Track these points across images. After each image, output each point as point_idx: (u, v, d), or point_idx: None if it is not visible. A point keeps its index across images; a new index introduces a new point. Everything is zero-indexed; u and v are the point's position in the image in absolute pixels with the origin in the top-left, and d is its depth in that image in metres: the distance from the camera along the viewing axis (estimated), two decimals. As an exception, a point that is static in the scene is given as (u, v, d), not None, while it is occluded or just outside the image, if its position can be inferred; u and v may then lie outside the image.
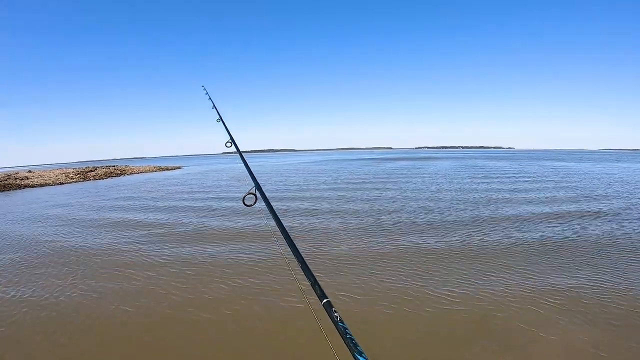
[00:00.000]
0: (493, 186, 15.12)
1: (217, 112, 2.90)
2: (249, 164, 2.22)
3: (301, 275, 1.27)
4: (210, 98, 3.27)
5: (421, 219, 8.76)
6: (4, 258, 6.81)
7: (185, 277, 5.31)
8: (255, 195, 1.86)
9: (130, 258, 6.39)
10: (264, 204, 1.81)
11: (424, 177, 20.26)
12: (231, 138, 2.40)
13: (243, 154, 2.34)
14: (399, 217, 9.05)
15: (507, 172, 23.12)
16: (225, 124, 2.69)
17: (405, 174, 22.93)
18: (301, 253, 1.36)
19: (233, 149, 2.43)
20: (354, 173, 24.79)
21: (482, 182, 16.66)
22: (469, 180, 17.57)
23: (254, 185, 1.91)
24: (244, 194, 1.85)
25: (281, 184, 18.63)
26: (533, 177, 19.13)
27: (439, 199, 11.86)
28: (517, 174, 21.36)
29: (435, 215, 9.09)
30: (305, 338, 3.47)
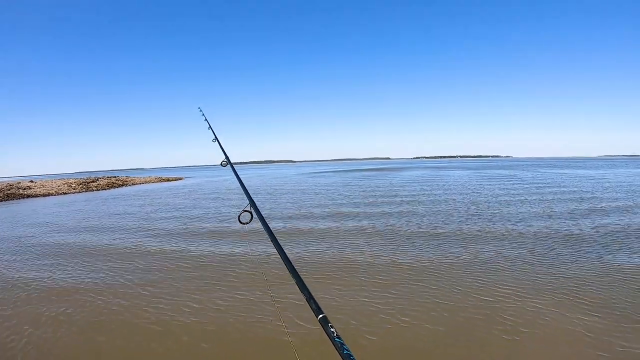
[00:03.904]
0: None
1: (213, 132, 3.03)
2: (245, 180, 2.32)
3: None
4: (206, 119, 3.40)
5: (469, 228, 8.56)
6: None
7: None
8: (250, 212, 1.91)
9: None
10: (259, 221, 1.88)
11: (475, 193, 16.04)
12: (227, 158, 2.53)
13: (241, 164, 2.42)
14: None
15: (536, 182, 21.43)
16: (221, 144, 2.83)
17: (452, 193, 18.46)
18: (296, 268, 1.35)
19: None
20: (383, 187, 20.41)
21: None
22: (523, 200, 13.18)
23: (248, 202, 2.00)
24: (240, 212, 1.92)
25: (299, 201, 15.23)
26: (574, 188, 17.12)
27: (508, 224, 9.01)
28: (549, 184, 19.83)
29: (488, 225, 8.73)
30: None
